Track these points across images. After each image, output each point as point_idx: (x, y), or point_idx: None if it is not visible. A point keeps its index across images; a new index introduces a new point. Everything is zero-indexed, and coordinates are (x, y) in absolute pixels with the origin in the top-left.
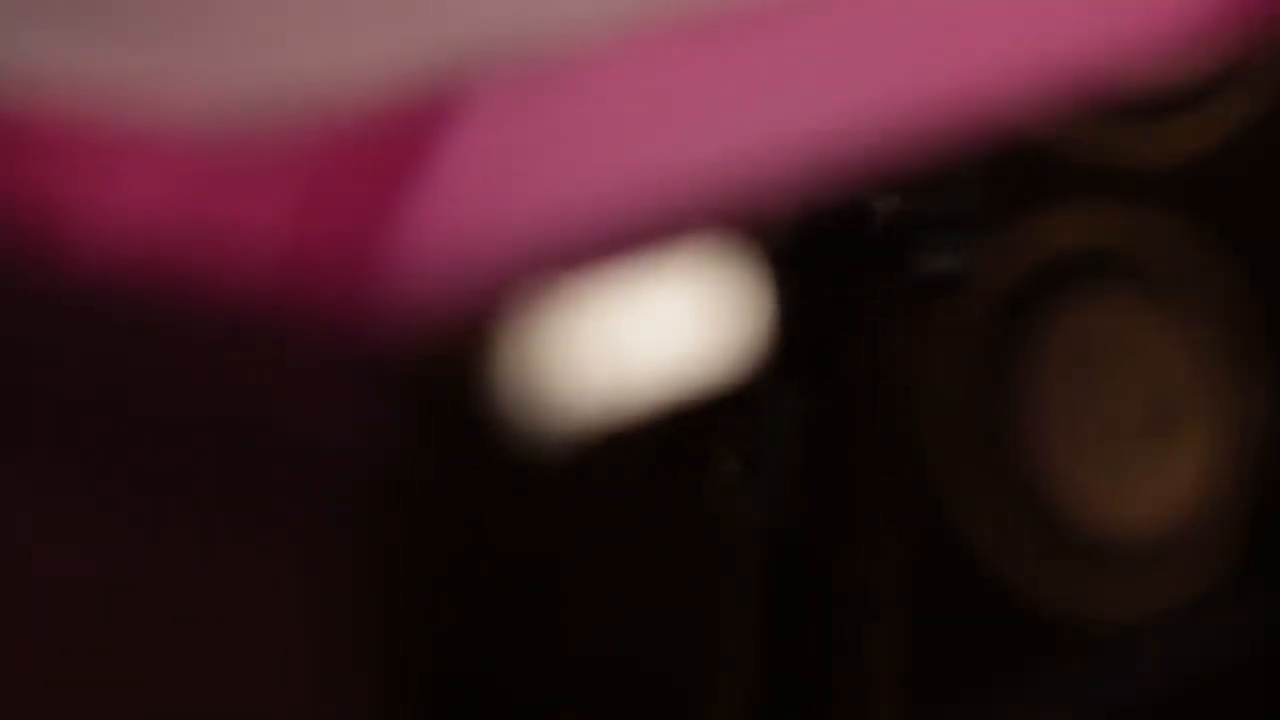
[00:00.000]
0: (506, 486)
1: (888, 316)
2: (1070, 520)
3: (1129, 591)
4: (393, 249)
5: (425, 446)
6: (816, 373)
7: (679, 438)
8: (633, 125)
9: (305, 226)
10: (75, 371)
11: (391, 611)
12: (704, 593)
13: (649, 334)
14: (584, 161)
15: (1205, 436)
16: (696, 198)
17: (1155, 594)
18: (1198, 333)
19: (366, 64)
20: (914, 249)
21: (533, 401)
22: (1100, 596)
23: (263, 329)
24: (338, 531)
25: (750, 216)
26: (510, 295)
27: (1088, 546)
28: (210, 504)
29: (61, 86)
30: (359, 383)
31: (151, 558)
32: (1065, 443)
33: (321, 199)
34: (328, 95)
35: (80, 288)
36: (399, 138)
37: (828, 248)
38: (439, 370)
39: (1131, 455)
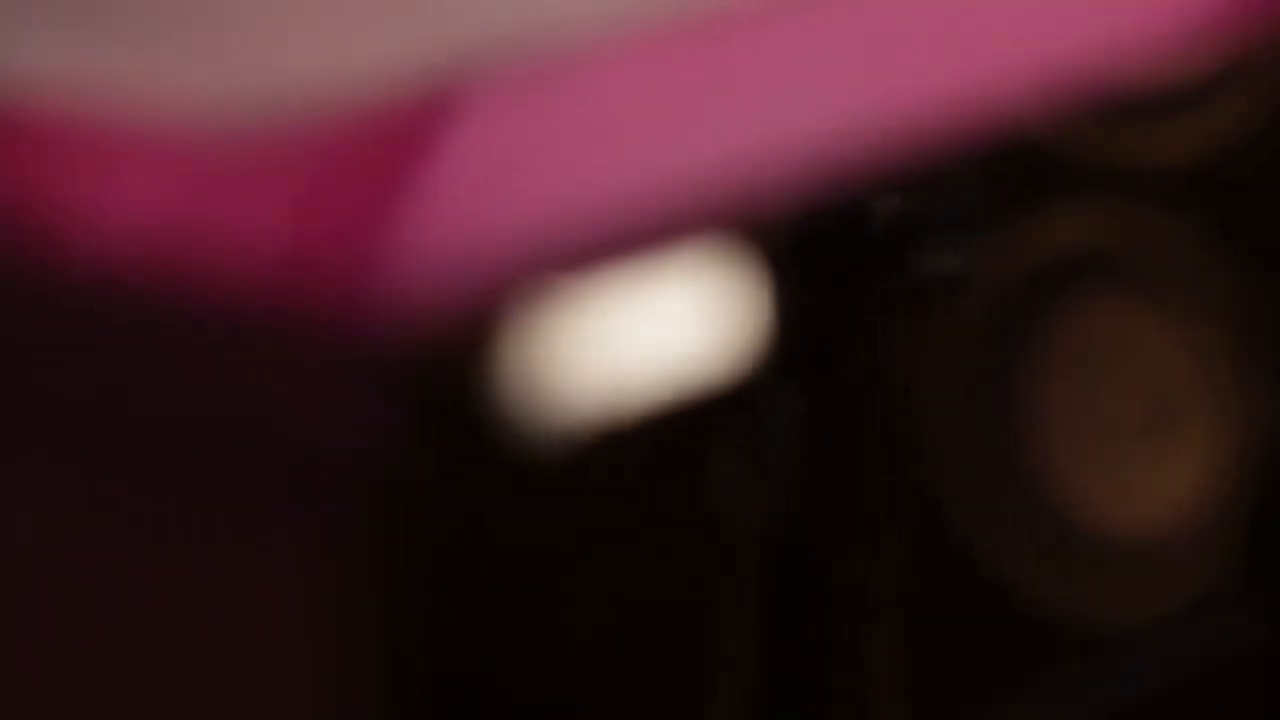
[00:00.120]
0: (506, 486)
1: (888, 316)
2: (1070, 520)
3: (1129, 592)
4: (392, 249)
5: (425, 446)
6: (816, 373)
7: (679, 438)
8: (632, 125)
9: (305, 226)
10: (74, 371)
11: (391, 611)
12: (704, 593)
13: (649, 333)
14: (584, 160)
15: (1205, 436)
16: (696, 197)
17: (1155, 594)
18: (1198, 333)
19: (366, 64)
20: (914, 249)
21: (533, 401)
22: (1100, 596)
23: (262, 329)
24: (338, 531)
25: (750, 216)
26: (510, 295)
27: (1088, 546)
28: (210, 504)
29: (61, 86)
30: (359, 382)
31: (151, 558)
32: (1065, 442)
33: (321, 199)
34: (328, 95)
35: (80, 287)
36: (399, 137)
37: (828, 248)
38: (439, 370)
39: (1131, 455)
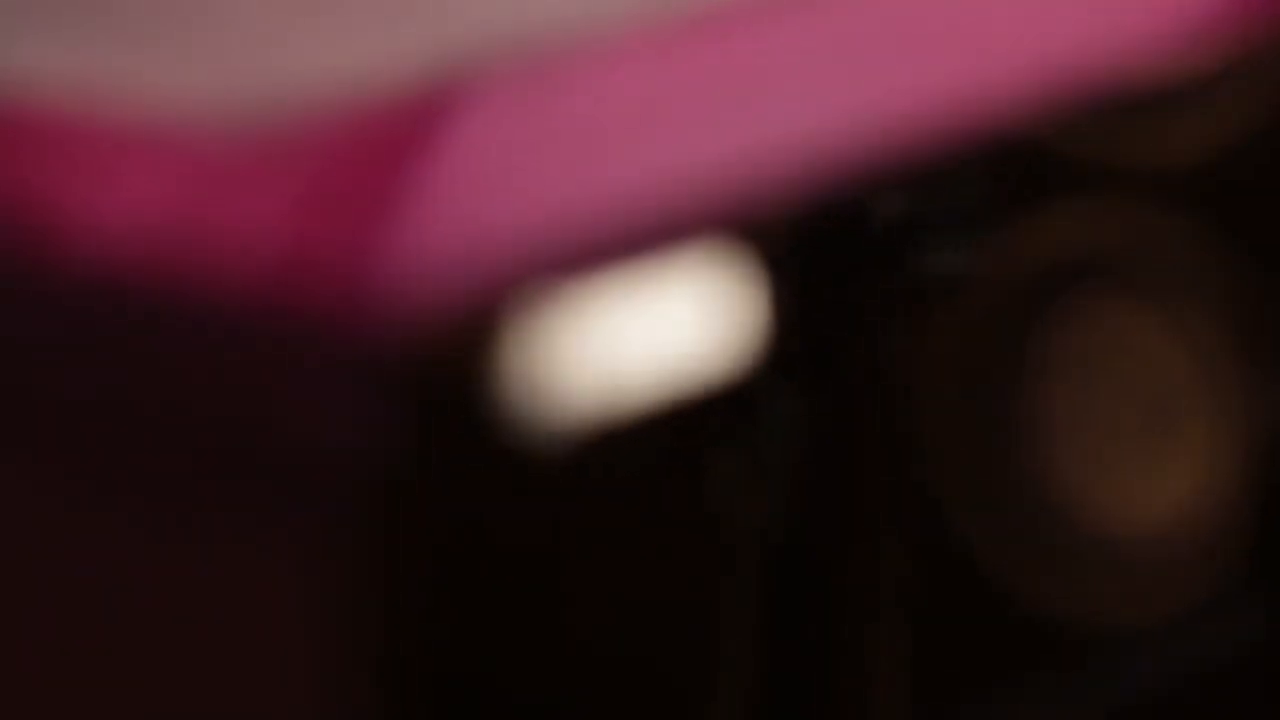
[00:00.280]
0: (507, 487)
1: (888, 316)
2: (1071, 521)
3: (1130, 593)
4: (392, 248)
5: (425, 446)
6: (816, 373)
7: (679, 438)
8: (632, 124)
9: (305, 226)
10: (74, 371)
11: (391, 611)
12: (704, 593)
13: (649, 333)
14: (584, 159)
15: (1206, 437)
16: (696, 196)
17: (1156, 595)
18: (1198, 333)
19: (366, 64)
20: (914, 249)
21: (533, 401)
22: (1101, 598)
23: (262, 329)
24: (338, 531)
25: (750, 215)
26: (510, 294)
27: (1088, 547)
28: (210, 504)
29: (61, 86)
30: (358, 382)
31: (151, 557)
32: (1065, 443)
33: (321, 198)
34: (328, 94)
35: (79, 287)
36: (399, 137)
37: (828, 248)
38: (439, 370)
39: (1132, 456)
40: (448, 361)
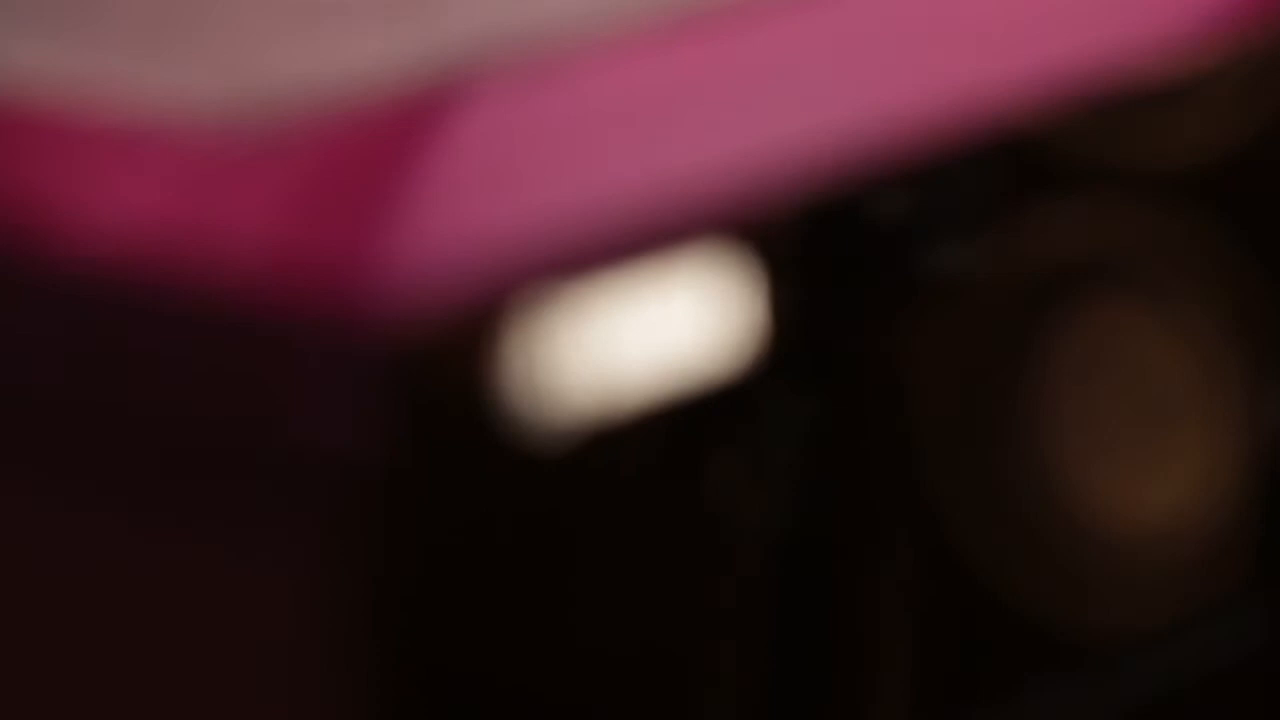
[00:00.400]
0: (506, 487)
1: (888, 316)
2: (1071, 522)
3: (1131, 595)
4: (392, 248)
5: (424, 446)
6: (817, 373)
7: (679, 437)
8: (632, 124)
9: (303, 225)
10: (71, 371)
11: (390, 610)
12: (704, 593)
13: (649, 332)
14: (583, 159)
15: (1208, 439)
16: (696, 196)
17: (1158, 598)
18: (1199, 333)
19: (366, 64)
20: (914, 249)
21: (533, 401)
22: (1102, 600)
23: (261, 328)
24: (337, 531)
25: (750, 215)
26: (510, 293)
27: (1089, 549)
28: (208, 503)
29: (60, 85)
30: (357, 382)
31: (148, 557)
32: (1066, 443)
33: (320, 197)
34: (327, 94)
35: (77, 287)
36: (398, 136)
37: (828, 248)
38: (438, 370)
39: (1133, 457)
40: (447, 361)
